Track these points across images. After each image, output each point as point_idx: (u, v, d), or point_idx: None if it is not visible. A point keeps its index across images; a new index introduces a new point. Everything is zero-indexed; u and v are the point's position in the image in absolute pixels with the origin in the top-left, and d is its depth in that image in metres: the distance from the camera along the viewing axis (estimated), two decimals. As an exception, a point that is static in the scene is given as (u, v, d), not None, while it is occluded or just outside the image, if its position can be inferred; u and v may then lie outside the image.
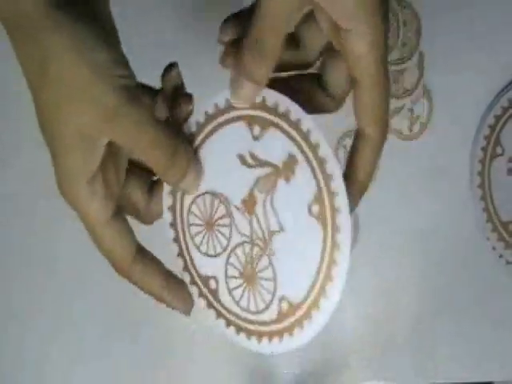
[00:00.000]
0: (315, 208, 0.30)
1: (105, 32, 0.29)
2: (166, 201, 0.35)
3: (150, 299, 0.59)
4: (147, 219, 0.35)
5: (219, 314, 0.34)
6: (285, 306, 0.31)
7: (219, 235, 0.34)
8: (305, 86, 0.33)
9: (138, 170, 0.34)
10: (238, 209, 0.33)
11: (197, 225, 0.35)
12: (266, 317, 0.32)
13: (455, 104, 0.61)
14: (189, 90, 0.35)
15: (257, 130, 0.32)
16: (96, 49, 0.28)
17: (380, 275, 0.61)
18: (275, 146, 0.31)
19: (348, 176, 0.31)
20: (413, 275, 0.62)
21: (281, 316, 0.32)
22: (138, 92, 0.30)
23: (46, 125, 0.30)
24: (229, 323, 0.34)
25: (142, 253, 0.34)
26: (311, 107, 0.32)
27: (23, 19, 0.28)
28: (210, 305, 0.35)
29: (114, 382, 0.61)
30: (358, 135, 0.31)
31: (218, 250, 0.34)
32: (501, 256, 0.62)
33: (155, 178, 0.36)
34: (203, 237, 0.34)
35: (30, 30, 0.28)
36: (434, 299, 0.62)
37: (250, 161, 0.32)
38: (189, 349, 0.61)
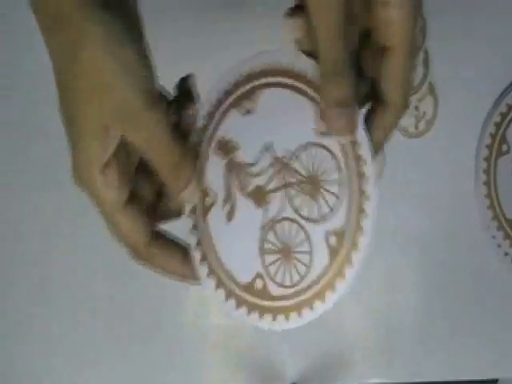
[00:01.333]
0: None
1: (136, 28, 0.30)
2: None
3: (152, 301, 0.59)
4: (153, 216, 0.36)
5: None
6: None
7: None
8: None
9: (150, 168, 0.35)
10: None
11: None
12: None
13: (461, 102, 0.61)
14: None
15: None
16: (128, 46, 0.29)
17: (382, 274, 0.61)
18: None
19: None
20: (416, 274, 0.62)
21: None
22: (159, 97, 0.31)
23: (68, 110, 0.31)
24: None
25: (157, 235, 0.34)
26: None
27: (58, 7, 0.28)
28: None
29: None
30: (380, 100, 0.32)
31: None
32: (506, 254, 0.62)
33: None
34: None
35: (65, 17, 0.28)
36: (438, 297, 0.62)
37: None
38: (194, 351, 0.61)
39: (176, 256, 0.35)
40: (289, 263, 0.33)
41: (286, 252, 0.33)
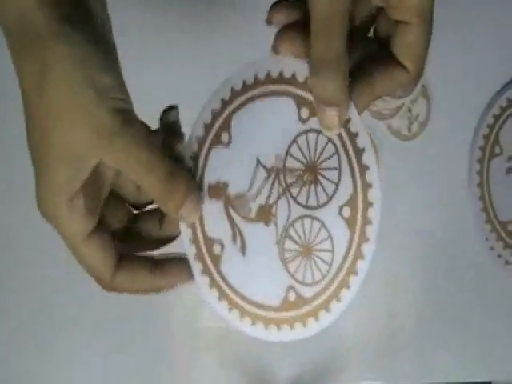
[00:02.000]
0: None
1: (109, 53, 0.29)
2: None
3: (147, 302, 0.59)
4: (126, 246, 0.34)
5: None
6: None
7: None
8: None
9: (120, 200, 0.34)
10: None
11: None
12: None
13: (454, 103, 0.61)
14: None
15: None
16: (101, 70, 0.28)
17: (379, 275, 0.61)
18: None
19: (364, 83, 0.31)
20: (412, 276, 0.62)
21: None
22: (135, 116, 0.30)
23: (36, 136, 0.29)
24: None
25: (123, 259, 0.33)
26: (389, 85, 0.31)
27: (30, 31, 0.27)
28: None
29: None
30: (397, 66, 0.31)
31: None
32: (499, 256, 0.62)
33: (136, 212, 0.35)
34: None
35: (36, 41, 0.28)
36: (433, 299, 0.62)
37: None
38: (190, 350, 0.61)
39: (143, 273, 0.33)
40: (313, 258, 0.32)
41: (307, 250, 0.32)
